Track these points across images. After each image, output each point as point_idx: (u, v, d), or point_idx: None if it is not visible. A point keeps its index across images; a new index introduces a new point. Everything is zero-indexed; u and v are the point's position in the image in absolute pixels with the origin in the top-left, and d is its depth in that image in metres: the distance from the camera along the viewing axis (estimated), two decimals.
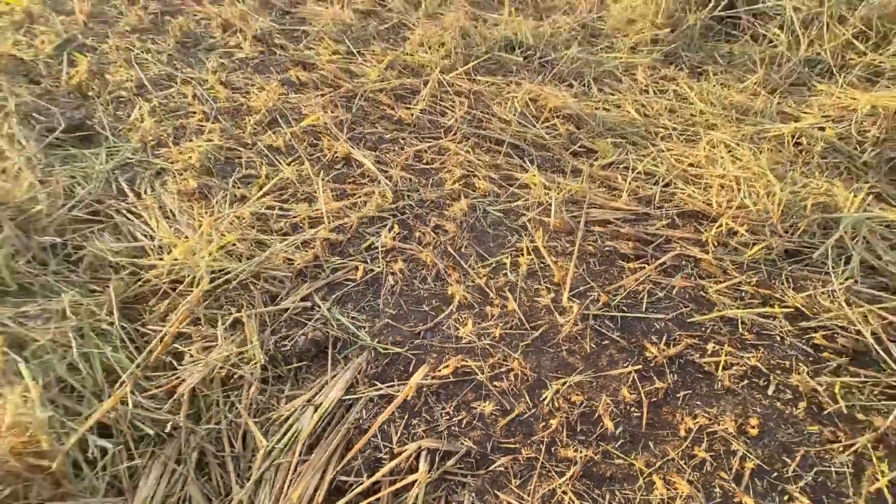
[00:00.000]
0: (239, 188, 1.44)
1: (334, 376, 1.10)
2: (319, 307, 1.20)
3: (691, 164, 1.58)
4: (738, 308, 1.25)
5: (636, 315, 1.23)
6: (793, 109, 1.79)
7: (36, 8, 2.01)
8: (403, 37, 2.11)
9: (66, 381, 0.96)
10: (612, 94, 1.86)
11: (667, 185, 1.54)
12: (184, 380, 1.01)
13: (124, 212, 1.36)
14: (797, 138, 1.67)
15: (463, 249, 1.36)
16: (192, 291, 1.16)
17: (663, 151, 1.61)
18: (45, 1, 2.05)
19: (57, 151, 1.53)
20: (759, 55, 1.95)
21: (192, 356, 1.07)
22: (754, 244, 1.37)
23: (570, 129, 1.70)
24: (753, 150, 1.55)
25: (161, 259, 1.21)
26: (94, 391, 0.97)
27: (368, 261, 1.32)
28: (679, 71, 1.96)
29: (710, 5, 2.04)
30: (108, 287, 1.16)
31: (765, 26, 2.00)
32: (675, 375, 1.13)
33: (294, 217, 1.38)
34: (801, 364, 1.16)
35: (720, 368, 1.14)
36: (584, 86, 1.91)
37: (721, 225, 1.40)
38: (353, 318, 1.20)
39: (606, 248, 1.38)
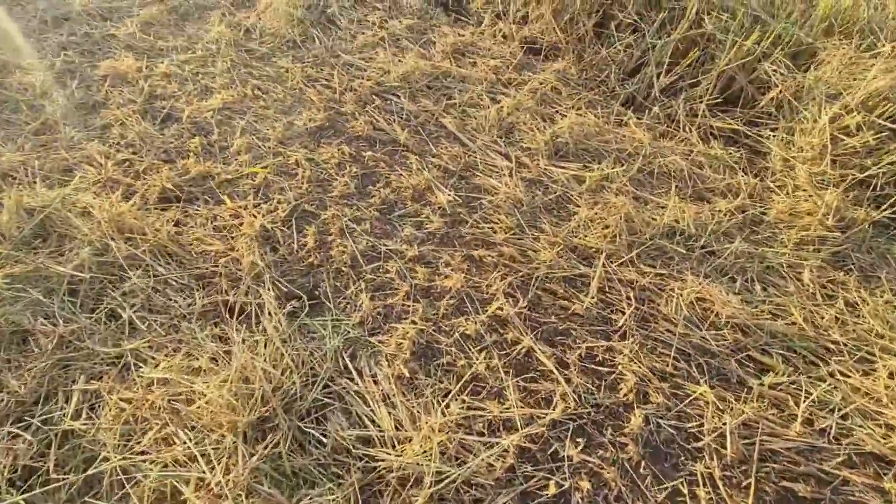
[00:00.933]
0: (442, 381, 1.70)
1: None
2: None
3: (870, 396, 1.61)
4: None
5: None
6: None
7: (271, 175, 2.52)
8: (569, 211, 2.35)
9: None
10: (777, 296, 1.93)
11: (843, 416, 1.58)
12: None
13: (352, 392, 1.67)
14: None
15: (641, 469, 1.50)
16: (416, 490, 1.41)
17: (837, 378, 1.66)
18: (277, 168, 2.56)
19: (293, 320, 1.91)
20: None
21: None
22: None
23: (738, 337, 1.81)
24: None
25: (388, 454, 1.48)
26: None
27: (555, 471, 1.50)
28: (848, 275, 1.99)
29: (885, 206, 2.07)
30: (349, 475, 1.45)
31: None
32: None
33: (488, 414, 1.61)
34: None
35: None
36: (746, 282, 2.00)
37: None
38: None
39: (782, 486, 1.45)
